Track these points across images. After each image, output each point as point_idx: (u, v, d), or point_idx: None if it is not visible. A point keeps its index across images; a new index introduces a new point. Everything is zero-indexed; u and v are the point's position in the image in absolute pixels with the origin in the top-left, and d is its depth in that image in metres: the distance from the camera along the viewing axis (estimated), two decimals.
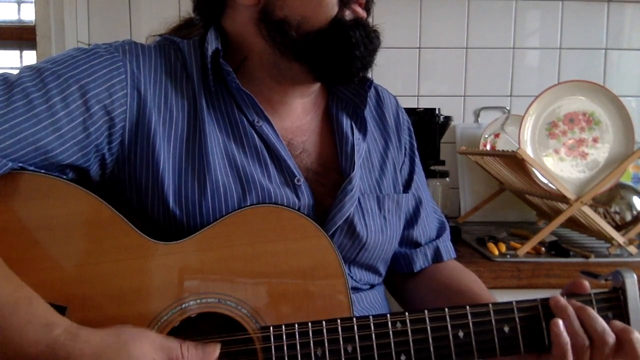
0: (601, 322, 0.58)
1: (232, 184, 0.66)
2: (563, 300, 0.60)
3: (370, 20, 0.72)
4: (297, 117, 0.76)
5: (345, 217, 0.69)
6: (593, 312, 0.58)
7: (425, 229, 0.84)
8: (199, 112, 0.68)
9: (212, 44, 0.68)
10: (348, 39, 0.67)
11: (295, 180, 0.69)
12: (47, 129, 0.58)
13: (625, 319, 0.61)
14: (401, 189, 0.81)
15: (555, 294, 0.63)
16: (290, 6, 0.67)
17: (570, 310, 0.59)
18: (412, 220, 0.84)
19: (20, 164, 0.57)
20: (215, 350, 0.56)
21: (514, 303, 0.61)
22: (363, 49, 0.68)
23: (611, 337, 0.57)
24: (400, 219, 0.79)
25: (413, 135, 0.88)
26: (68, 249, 0.58)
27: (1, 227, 0.57)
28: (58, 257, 0.58)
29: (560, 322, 0.58)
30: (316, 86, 0.76)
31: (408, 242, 0.83)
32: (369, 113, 0.81)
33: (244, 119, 0.70)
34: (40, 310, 0.52)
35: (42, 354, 0.50)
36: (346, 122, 0.77)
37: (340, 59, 0.68)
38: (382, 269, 0.80)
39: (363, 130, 0.78)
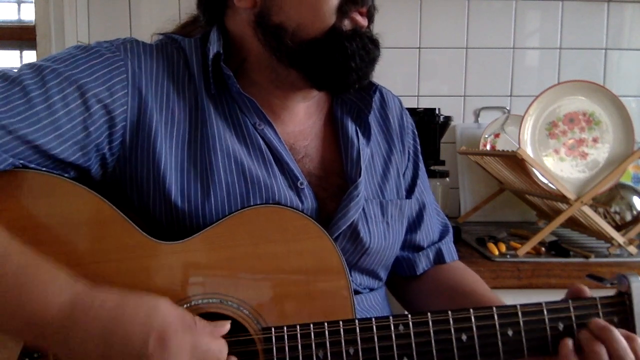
0: (622, 343, 0.56)
1: (236, 184, 0.65)
2: (604, 322, 0.59)
3: (372, 27, 0.70)
4: (299, 121, 0.75)
5: (350, 222, 0.69)
6: (616, 333, 0.57)
7: (428, 233, 0.84)
8: (202, 111, 0.67)
9: (214, 45, 0.68)
10: (343, 50, 0.65)
11: (299, 184, 0.69)
12: (46, 128, 0.58)
13: (631, 324, 0.60)
14: (404, 194, 0.80)
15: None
16: (286, 12, 0.66)
17: (615, 332, 0.57)
18: (415, 224, 0.83)
19: (21, 162, 0.57)
20: (225, 325, 0.56)
21: (518, 307, 0.60)
22: (359, 60, 0.66)
23: (631, 358, 0.56)
24: (402, 225, 0.79)
25: (417, 139, 0.87)
26: (70, 248, 0.58)
27: (4, 226, 0.56)
28: (60, 256, 0.57)
29: (570, 341, 0.58)
30: (317, 91, 0.75)
31: (410, 246, 0.83)
32: (372, 117, 0.80)
33: (247, 121, 0.69)
34: (62, 270, 0.54)
35: (65, 304, 0.51)
36: (351, 127, 0.76)
37: (335, 69, 0.67)
38: (383, 274, 0.79)
39: (367, 135, 0.77)
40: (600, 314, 0.60)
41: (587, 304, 0.61)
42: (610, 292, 0.62)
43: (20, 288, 0.51)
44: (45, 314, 0.51)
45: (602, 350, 0.56)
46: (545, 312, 0.60)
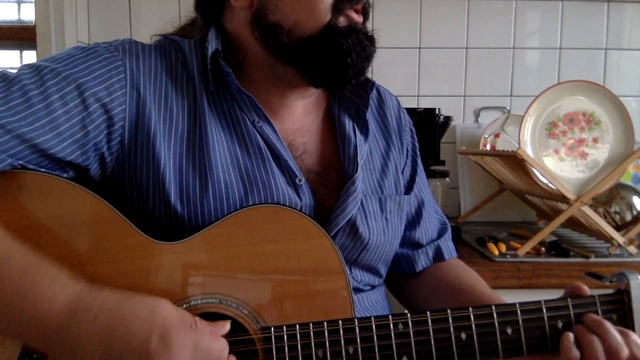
0: (617, 337, 0.57)
1: (234, 183, 0.66)
2: (598, 317, 0.59)
3: (368, 24, 0.71)
4: (297, 118, 0.75)
5: (348, 218, 0.69)
6: (610, 327, 0.58)
7: (427, 230, 0.84)
8: (200, 111, 0.67)
9: (212, 44, 0.68)
10: (339, 47, 0.66)
11: (297, 180, 0.69)
12: (45, 127, 0.58)
13: (630, 321, 0.60)
14: (403, 190, 0.81)
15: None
16: (282, 11, 0.66)
17: (608, 326, 0.58)
18: (414, 221, 0.84)
19: (19, 162, 0.57)
20: (225, 325, 0.57)
21: (517, 305, 0.60)
22: (355, 56, 0.67)
23: (625, 352, 0.56)
24: (401, 220, 0.79)
25: (415, 137, 0.88)
26: (69, 249, 0.58)
27: (2, 227, 0.56)
28: (59, 257, 0.57)
29: (571, 335, 0.58)
30: (314, 89, 0.76)
31: (410, 243, 0.83)
32: (370, 114, 0.81)
33: (246, 119, 0.70)
34: (63, 271, 0.54)
35: (65, 304, 0.52)
36: (348, 124, 0.77)
37: (332, 66, 0.67)
38: (383, 270, 0.79)
39: (365, 132, 0.78)
40: (599, 312, 0.61)
41: (586, 301, 0.61)
42: (610, 290, 0.63)
43: (21, 290, 0.51)
44: (46, 314, 0.51)
45: (597, 343, 0.57)
46: (544, 310, 0.60)
